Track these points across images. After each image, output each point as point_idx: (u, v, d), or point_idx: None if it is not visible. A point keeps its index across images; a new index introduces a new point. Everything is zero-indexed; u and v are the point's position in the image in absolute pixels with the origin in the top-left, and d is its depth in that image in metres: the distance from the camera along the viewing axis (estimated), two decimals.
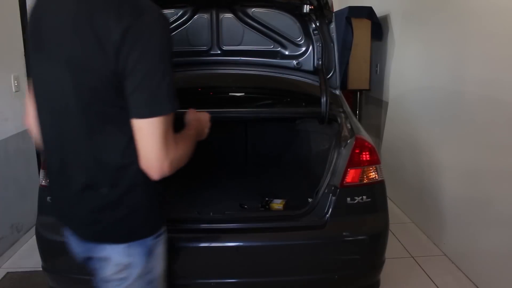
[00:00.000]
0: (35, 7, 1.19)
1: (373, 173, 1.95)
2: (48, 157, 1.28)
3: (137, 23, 1.02)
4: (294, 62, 2.67)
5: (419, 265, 2.75)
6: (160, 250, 1.27)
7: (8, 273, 2.63)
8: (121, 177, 1.15)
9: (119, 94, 1.06)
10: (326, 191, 1.92)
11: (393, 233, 3.03)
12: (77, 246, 1.31)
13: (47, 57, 1.14)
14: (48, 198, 1.79)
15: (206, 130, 1.42)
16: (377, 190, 1.98)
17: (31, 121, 1.31)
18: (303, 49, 2.64)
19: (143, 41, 1.03)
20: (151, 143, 1.06)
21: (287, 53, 2.68)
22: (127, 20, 1.02)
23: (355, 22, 3.91)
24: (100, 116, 1.11)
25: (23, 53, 3.13)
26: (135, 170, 1.12)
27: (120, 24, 1.01)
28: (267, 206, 2.27)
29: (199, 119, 1.40)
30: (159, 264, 1.28)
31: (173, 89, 1.07)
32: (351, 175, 1.91)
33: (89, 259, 1.29)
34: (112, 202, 1.17)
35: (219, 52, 2.71)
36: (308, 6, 2.33)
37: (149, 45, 1.03)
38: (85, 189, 1.18)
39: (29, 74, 1.24)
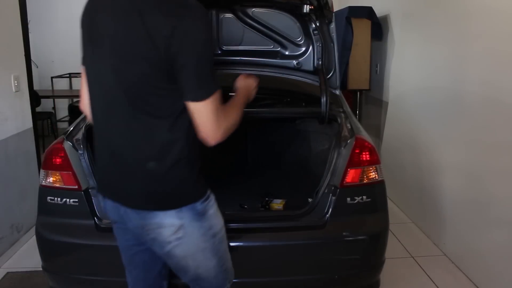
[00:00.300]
0: (90, 3, 1.34)
1: (373, 173, 1.95)
2: (98, 136, 1.41)
3: (184, 20, 1.17)
4: (294, 62, 2.67)
5: (419, 265, 2.75)
6: (212, 210, 1.42)
7: (8, 273, 2.63)
8: (168, 152, 1.29)
9: (169, 78, 1.22)
10: (326, 191, 1.93)
11: (393, 233, 3.03)
12: (126, 217, 1.40)
13: (100, 48, 1.28)
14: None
15: (254, 93, 1.62)
16: (377, 190, 1.98)
17: (85, 104, 1.47)
18: (303, 49, 2.64)
19: (191, 37, 1.18)
20: (206, 119, 1.26)
21: (287, 53, 2.68)
22: (175, 17, 1.17)
23: (355, 22, 3.91)
24: (149, 98, 1.26)
25: (23, 53, 3.14)
26: (181, 146, 1.30)
27: (169, 21, 1.17)
28: (267, 206, 2.27)
29: (248, 86, 1.60)
30: (217, 220, 1.44)
31: (213, 69, 1.26)
32: (351, 175, 1.91)
33: (142, 227, 1.37)
34: (160, 174, 1.31)
35: (219, 52, 2.71)
36: (308, 6, 2.33)
37: (196, 39, 1.19)
38: (135, 164, 1.32)
39: (82, 62, 1.40)
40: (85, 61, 1.38)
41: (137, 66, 1.23)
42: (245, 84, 1.60)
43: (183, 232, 1.35)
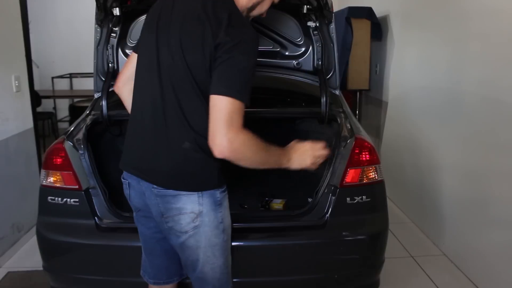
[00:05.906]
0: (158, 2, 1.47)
1: (373, 173, 1.95)
2: (137, 117, 1.47)
3: (228, 31, 1.27)
4: (294, 62, 2.67)
5: (418, 264, 2.76)
6: (226, 203, 1.48)
7: (9, 272, 2.63)
8: (199, 137, 1.34)
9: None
10: (326, 191, 1.93)
11: (392, 233, 3.04)
12: (150, 202, 1.46)
13: (161, 37, 1.39)
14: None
15: (310, 160, 1.57)
16: (376, 190, 1.98)
17: (120, 86, 1.60)
18: (303, 49, 2.64)
19: (235, 44, 1.26)
20: (217, 117, 1.24)
21: (287, 53, 2.68)
22: (225, 28, 1.28)
23: (355, 22, 3.92)
24: (195, 87, 1.33)
25: (24, 53, 3.14)
26: None
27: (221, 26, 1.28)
28: (267, 206, 2.27)
29: (299, 149, 1.56)
30: (227, 215, 1.50)
31: (248, 85, 1.27)
32: (351, 175, 1.92)
33: (162, 214, 1.43)
34: (192, 155, 1.37)
35: None
36: (307, 6, 2.33)
37: (236, 46, 1.26)
38: (172, 144, 1.37)
39: (135, 49, 1.56)
40: (141, 49, 1.48)
41: (191, 59, 1.33)
42: (296, 147, 1.55)
43: (200, 221, 1.40)
